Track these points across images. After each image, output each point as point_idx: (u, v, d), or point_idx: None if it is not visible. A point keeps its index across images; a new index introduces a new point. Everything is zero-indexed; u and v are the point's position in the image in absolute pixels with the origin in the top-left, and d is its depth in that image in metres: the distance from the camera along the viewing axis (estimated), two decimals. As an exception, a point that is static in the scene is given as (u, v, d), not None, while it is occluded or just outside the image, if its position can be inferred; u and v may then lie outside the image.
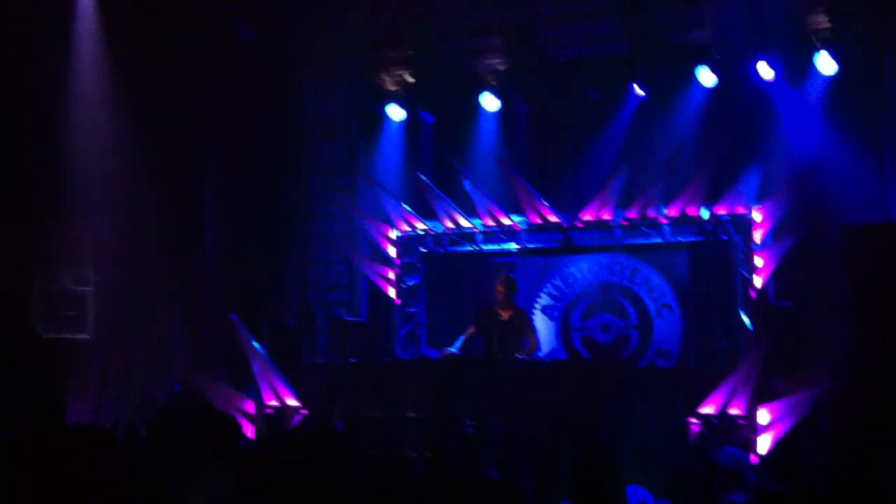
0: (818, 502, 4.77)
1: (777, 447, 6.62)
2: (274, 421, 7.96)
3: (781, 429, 6.56)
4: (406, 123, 11.22)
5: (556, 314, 9.90)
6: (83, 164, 9.57)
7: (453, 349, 8.39)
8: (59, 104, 9.58)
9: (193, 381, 8.37)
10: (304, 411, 7.94)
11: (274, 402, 8.05)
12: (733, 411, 6.73)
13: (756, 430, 6.64)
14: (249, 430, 7.76)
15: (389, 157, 11.28)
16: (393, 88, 11.22)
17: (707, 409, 6.81)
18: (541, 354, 9.17)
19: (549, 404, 7.28)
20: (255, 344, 8.18)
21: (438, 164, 10.54)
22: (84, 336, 9.47)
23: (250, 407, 7.94)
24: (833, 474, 5.39)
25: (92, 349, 9.38)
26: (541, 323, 9.88)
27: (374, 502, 4.27)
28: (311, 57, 11.38)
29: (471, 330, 8.61)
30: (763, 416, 6.65)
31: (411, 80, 11.14)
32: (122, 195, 9.68)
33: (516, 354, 8.19)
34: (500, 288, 8.53)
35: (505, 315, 8.50)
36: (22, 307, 9.34)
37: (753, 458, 6.43)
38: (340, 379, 8.15)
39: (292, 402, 8.02)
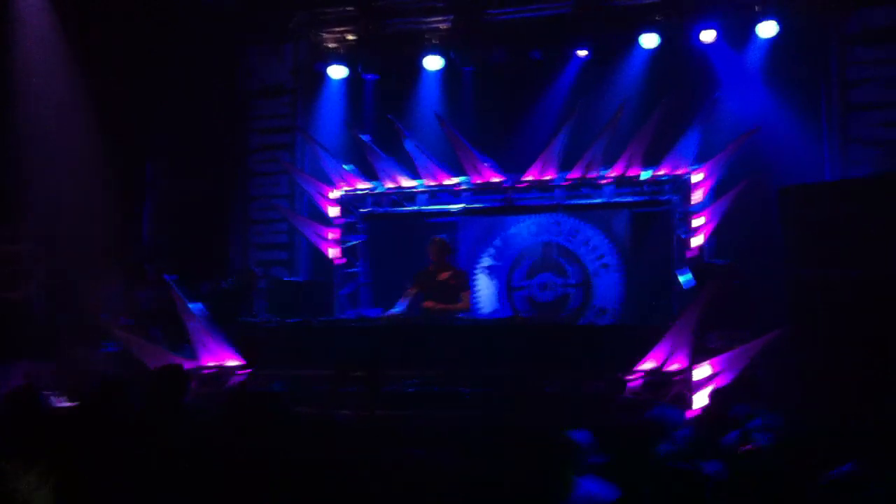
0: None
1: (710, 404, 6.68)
2: (211, 381, 7.84)
3: (717, 384, 6.64)
4: (347, 82, 11.10)
5: (498, 274, 9.91)
6: (27, 120, 9.33)
7: (395, 311, 8.34)
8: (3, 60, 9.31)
9: (129, 342, 8.19)
10: (241, 371, 7.82)
11: (211, 363, 7.92)
12: (670, 368, 6.78)
13: (691, 386, 6.71)
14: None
15: (330, 116, 11.17)
16: (333, 46, 11.05)
17: (644, 366, 6.85)
18: (482, 314, 9.23)
19: (488, 362, 7.28)
20: (191, 305, 8.02)
21: (380, 123, 10.44)
22: (17, 296, 9.21)
23: (186, 365, 7.77)
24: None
25: (26, 310, 9.14)
26: (484, 283, 9.91)
27: (309, 462, 4.16)
28: (251, 15, 11.18)
29: (411, 291, 8.56)
30: (699, 372, 6.72)
31: (352, 38, 10.99)
32: (60, 155, 9.46)
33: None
34: (432, 250, 8.48)
35: (442, 276, 8.45)
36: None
37: (688, 414, 6.49)
38: (278, 339, 8.06)
39: (230, 362, 7.90)
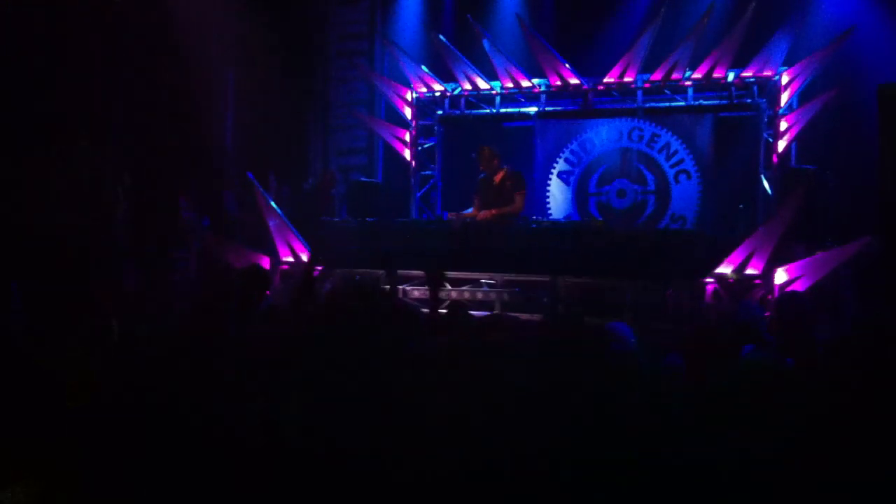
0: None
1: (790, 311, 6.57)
2: (288, 277, 8.01)
3: (798, 288, 6.52)
4: (425, -17, 10.95)
5: (572, 179, 9.80)
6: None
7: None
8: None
9: (213, 241, 8.39)
10: (319, 267, 7.95)
11: (289, 259, 8.08)
12: (750, 271, 6.69)
13: (772, 290, 6.61)
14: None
15: (407, 18, 11.06)
16: (411, -54, 10.87)
17: (723, 270, 6.77)
18: (555, 217, 9.19)
19: (560, 264, 7.26)
20: (272, 202, 8.15)
21: (458, 24, 10.30)
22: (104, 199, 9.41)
23: (266, 263, 7.97)
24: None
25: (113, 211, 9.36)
26: (557, 188, 9.82)
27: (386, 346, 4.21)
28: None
29: (476, 200, 8.54)
30: (780, 276, 6.61)
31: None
32: (145, 64, 9.58)
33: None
34: (479, 159, 8.31)
35: (497, 179, 8.35)
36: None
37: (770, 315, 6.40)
38: (356, 239, 8.15)
39: (307, 259, 8.05)
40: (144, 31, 9.61)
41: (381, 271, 7.72)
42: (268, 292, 7.72)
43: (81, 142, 9.23)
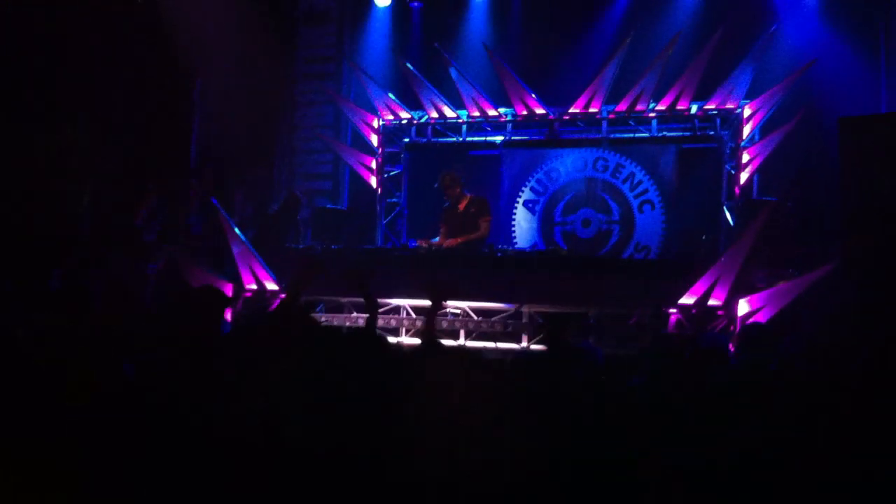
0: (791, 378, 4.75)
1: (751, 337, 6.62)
2: (252, 303, 7.92)
3: (760, 319, 6.57)
4: (393, 10, 10.96)
5: (537, 208, 9.83)
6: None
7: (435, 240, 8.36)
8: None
9: (173, 261, 8.27)
10: (283, 295, 7.87)
11: (253, 286, 7.99)
12: (713, 302, 6.73)
13: (735, 320, 6.66)
14: (227, 312, 7.70)
15: (375, 44, 11.06)
16: (380, -28, 10.89)
17: (686, 301, 6.81)
18: (520, 247, 9.20)
19: (525, 293, 7.28)
20: (236, 228, 8.07)
21: (425, 53, 10.33)
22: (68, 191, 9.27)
23: (229, 289, 7.87)
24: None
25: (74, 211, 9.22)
26: (522, 216, 9.85)
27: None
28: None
29: (442, 230, 8.55)
30: (742, 307, 6.66)
31: (398, -37, 10.83)
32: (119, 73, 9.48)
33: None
34: (442, 186, 8.37)
35: (461, 206, 8.38)
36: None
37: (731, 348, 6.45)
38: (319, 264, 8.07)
39: (272, 286, 7.97)
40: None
41: (346, 299, 7.69)
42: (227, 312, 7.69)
43: (81, 141, 9.15)
